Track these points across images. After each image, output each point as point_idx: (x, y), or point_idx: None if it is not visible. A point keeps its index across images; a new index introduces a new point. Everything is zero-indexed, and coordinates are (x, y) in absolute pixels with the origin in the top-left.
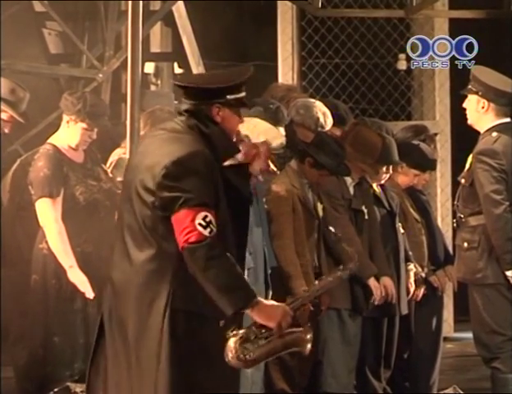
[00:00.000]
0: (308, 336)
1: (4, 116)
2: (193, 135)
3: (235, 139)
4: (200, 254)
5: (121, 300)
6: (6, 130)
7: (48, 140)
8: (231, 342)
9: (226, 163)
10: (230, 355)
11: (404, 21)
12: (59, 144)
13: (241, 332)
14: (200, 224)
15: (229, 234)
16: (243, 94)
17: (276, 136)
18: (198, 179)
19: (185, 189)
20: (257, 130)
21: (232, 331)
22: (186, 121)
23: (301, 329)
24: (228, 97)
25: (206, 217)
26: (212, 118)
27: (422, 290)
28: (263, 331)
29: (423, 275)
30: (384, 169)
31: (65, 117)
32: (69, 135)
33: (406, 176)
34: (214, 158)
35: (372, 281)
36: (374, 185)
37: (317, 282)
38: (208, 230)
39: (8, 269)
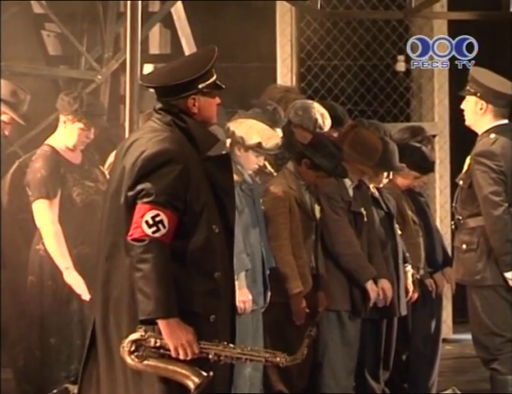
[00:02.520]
0: (196, 380)
1: (4, 117)
2: (170, 131)
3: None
4: (135, 252)
5: (116, 307)
6: (7, 132)
7: (46, 141)
8: (130, 336)
9: (207, 155)
10: (122, 348)
11: (403, 23)
12: (56, 145)
13: (143, 334)
14: (147, 222)
15: (214, 225)
16: (214, 78)
17: (271, 137)
18: (161, 177)
19: (147, 184)
20: (252, 131)
21: (143, 330)
22: (163, 119)
23: (196, 369)
24: (200, 86)
25: (157, 215)
26: (187, 111)
27: (416, 293)
28: (162, 345)
29: (418, 277)
30: (385, 174)
31: (62, 118)
32: (66, 135)
33: (406, 178)
34: (195, 150)
35: (369, 285)
36: (371, 187)
37: (242, 350)
38: (153, 229)
39: (7, 271)
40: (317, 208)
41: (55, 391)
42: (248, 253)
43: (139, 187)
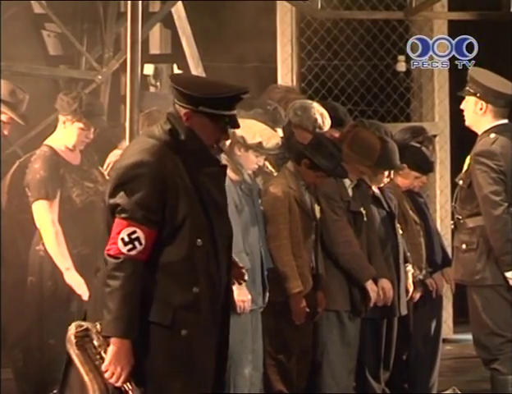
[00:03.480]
0: None
1: (3, 117)
2: (162, 140)
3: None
4: (108, 268)
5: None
6: (6, 132)
7: (45, 142)
8: (87, 323)
9: (203, 169)
10: (71, 327)
11: (404, 23)
12: (56, 146)
13: (99, 330)
14: (122, 239)
15: (198, 238)
16: (226, 112)
17: (271, 137)
18: (136, 189)
19: (123, 198)
20: (252, 131)
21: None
22: (164, 126)
23: None
24: (200, 108)
25: (133, 233)
26: (184, 123)
27: (419, 293)
28: (100, 352)
29: (421, 277)
30: (386, 173)
31: (61, 118)
32: (65, 135)
33: (406, 179)
34: (186, 164)
35: (369, 284)
36: (373, 187)
37: None
38: (129, 247)
39: (7, 271)
40: (317, 208)
41: (55, 391)
42: (247, 252)
43: (115, 200)
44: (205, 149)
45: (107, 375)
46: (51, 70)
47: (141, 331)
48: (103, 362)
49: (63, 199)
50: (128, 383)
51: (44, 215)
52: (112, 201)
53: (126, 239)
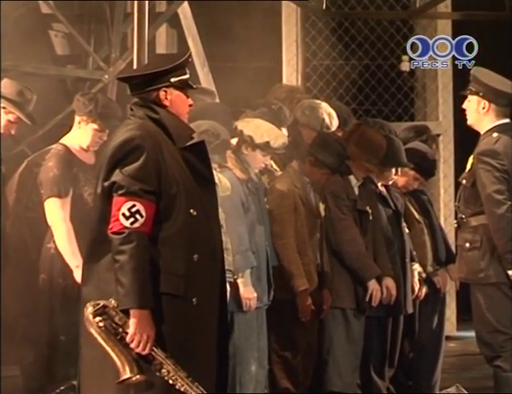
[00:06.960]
0: (127, 374)
1: (11, 117)
2: (141, 123)
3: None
4: (114, 244)
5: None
6: (13, 132)
7: (60, 141)
8: (103, 301)
9: (185, 144)
10: (90, 306)
11: (408, 23)
12: (70, 145)
13: (115, 305)
14: (123, 214)
15: (191, 208)
16: (187, 76)
17: (278, 136)
18: (130, 163)
19: (118, 175)
20: (260, 130)
21: (116, 303)
22: (136, 114)
23: (136, 367)
24: (172, 80)
25: (133, 206)
26: (160, 103)
27: (424, 290)
28: (122, 325)
29: (424, 275)
30: (393, 171)
31: (76, 118)
32: (80, 135)
33: (404, 177)
34: (171, 140)
35: (372, 283)
36: (379, 185)
37: (183, 378)
38: (131, 220)
39: (15, 269)
40: (321, 206)
41: (62, 387)
42: (253, 250)
43: (112, 179)
44: (184, 123)
45: (133, 345)
46: (58, 69)
47: (155, 303)
48: (126, 335)
49: (75, 197)
50: (155, 349)
51: (56, 213)
52: (107, 183)
53: (127, 213)
